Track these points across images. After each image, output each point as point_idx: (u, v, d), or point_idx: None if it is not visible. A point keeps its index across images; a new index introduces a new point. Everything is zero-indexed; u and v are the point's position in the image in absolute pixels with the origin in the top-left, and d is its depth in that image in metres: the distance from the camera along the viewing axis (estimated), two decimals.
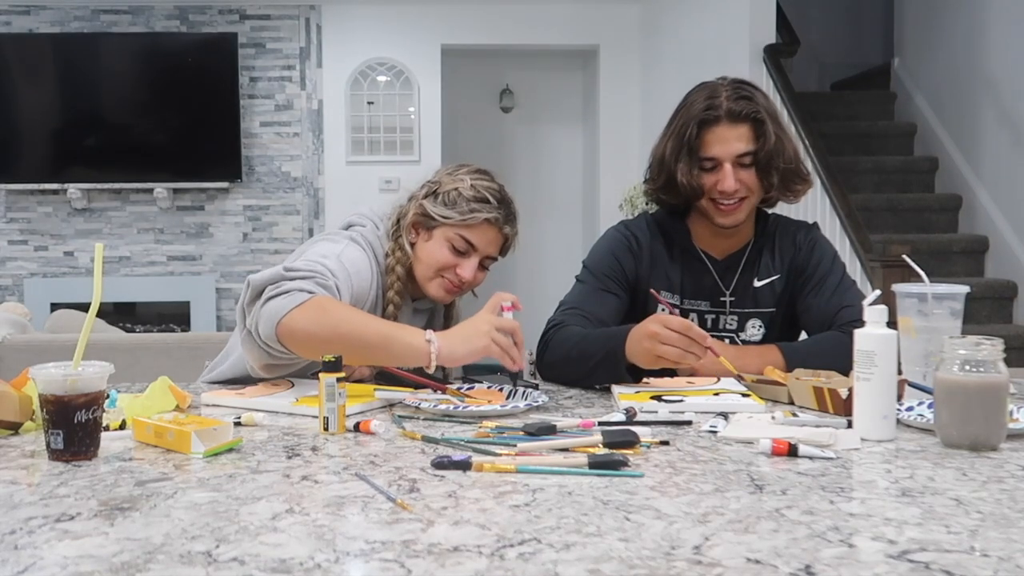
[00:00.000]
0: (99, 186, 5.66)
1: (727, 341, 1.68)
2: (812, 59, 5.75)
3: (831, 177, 3.45)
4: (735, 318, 1.70)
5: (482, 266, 1.64)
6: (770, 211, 1.80)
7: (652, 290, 1.64)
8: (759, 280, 1.71)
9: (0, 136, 5.54)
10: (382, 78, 5.77)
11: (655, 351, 1.40)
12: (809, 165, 3.59)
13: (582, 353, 1.54)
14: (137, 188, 5.68)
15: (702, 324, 1.69)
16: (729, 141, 1.60)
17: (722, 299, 1.70)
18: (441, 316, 1.78)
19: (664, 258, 1.72)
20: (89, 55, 5.58)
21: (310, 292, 1.39)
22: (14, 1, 5.61)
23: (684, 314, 1.69)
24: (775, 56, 3.95)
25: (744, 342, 1.70)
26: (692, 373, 1.56)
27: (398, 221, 1.66)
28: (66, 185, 5.60)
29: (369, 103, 5.75)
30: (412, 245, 1.63)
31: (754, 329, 1.71)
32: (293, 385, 1.47)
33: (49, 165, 5.63)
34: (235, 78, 5.58)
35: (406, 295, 1.65)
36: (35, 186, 5.63)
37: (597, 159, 5.88)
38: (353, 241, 1.62)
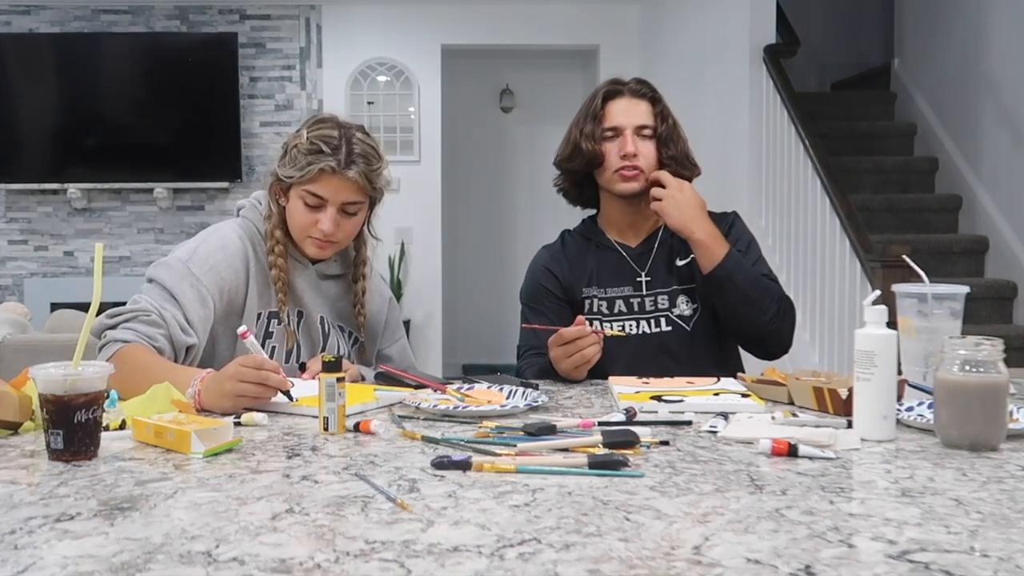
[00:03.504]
0: (99, 186, 5.66)
1: (663, 321, 1.76)
2: (812, 59, 5.74)
3: (831, 177, 3.44)
4: (665, 298, 1.77)
5: (346, 213, 1.60)
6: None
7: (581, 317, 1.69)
8: (681, 260, 1.80)
9: (0, 136, 5.54)
10: (382, 78, 5.77)
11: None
12: (809, 165, 3.59)
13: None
14: (137, 188, 5.68)
15: (629, 308, 1.78)
16: (630, 113, 1.77)
17: (638, 279, 1.78)
18: (350, 278, 1.75)
19: (582, 256, 1.84)
20: (89, 55, 5.57)
21: (124, 341, 1.46)
22: (14, 1, 5.61)
23: (611, 303, 1.78)
24: (775, 56, 3.94)
25: (679, 317, 1.76)
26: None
27: (267, 193, 1.66)
28: (66, 185, 5.60)
29: (369, 103, 5.75)
30: (284, 209, 1.64)
31: (684, 305, 1.78)
32: (292, 385, 1.47)
33: (49, 165, 5.63)
34: (235, 78, 5.58)
35: (295, 260, 1.66)
36: (35, 186, 5.63)
37: None
38: (225, 225, 1.66)
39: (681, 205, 1.69)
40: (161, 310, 1.51)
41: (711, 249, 1.68)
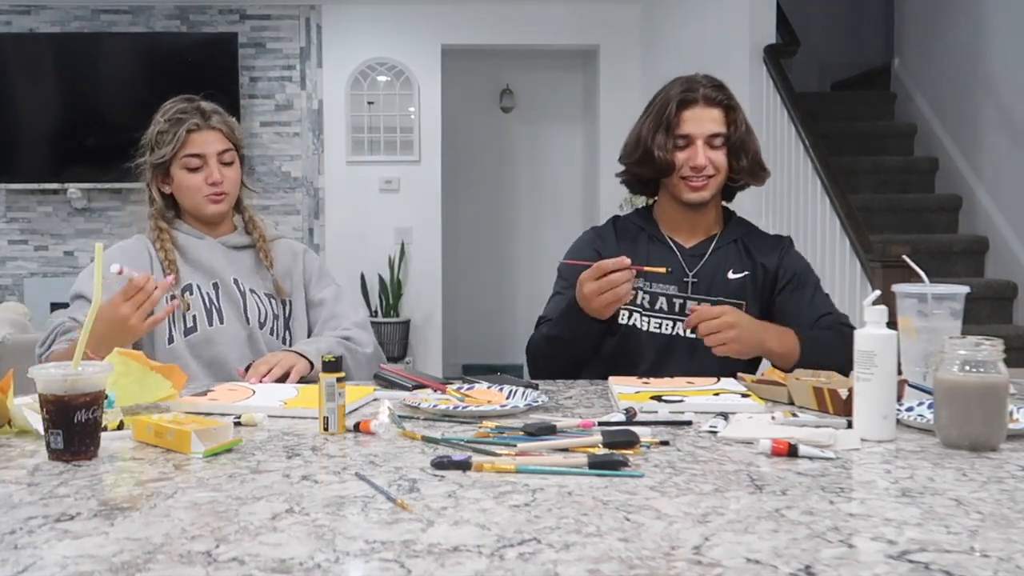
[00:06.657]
0: (99, 186, 5.65)
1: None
2: (812, 59, 5.74)
3: (831, 177, 3.44)
4: (707, 305, 1.72)
5: (224, 163, 1.79)
6: (746, 219, 1.89)
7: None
8: (734, 273, 1.78)
9: (0, 136, 5.54)
10: (382, 78, 5.76)
11: (601, 300, 1.52)
12: (809, 165, 3.59)
13: (554, 350, 1.71)
14: (137, 188, 5.66)
15: (671, 308, 1.76)
16: (703, 121, 1.74)
17: (685, 280, 1.76)
18: (258, 251, 1.89)
19: (634, 244, 1.81)
20: (89, 55, 5.57)
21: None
22: (14, 1, 5.61)
23: (654, 298, 1.76)
24: (775, 56, 3.94)
25: None
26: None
27: (147, 190, 1.84)
28: (66, 185, 5.60)
29: (369, 103, 5.75)
30: (171, 195, 1.82)
31: None
32: (254, 393, 1.43)
33: (49, 165, 5.62)
34: (235, 78, 5.58)
35: (196, 238, 1.80)
36: (35, 186, 5.63)
37: (597, 159, 5.88)
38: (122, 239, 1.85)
39: (744, 337, 1.57)
40: (72, 317, 1.66)
41: (787, 357, 1.61)
